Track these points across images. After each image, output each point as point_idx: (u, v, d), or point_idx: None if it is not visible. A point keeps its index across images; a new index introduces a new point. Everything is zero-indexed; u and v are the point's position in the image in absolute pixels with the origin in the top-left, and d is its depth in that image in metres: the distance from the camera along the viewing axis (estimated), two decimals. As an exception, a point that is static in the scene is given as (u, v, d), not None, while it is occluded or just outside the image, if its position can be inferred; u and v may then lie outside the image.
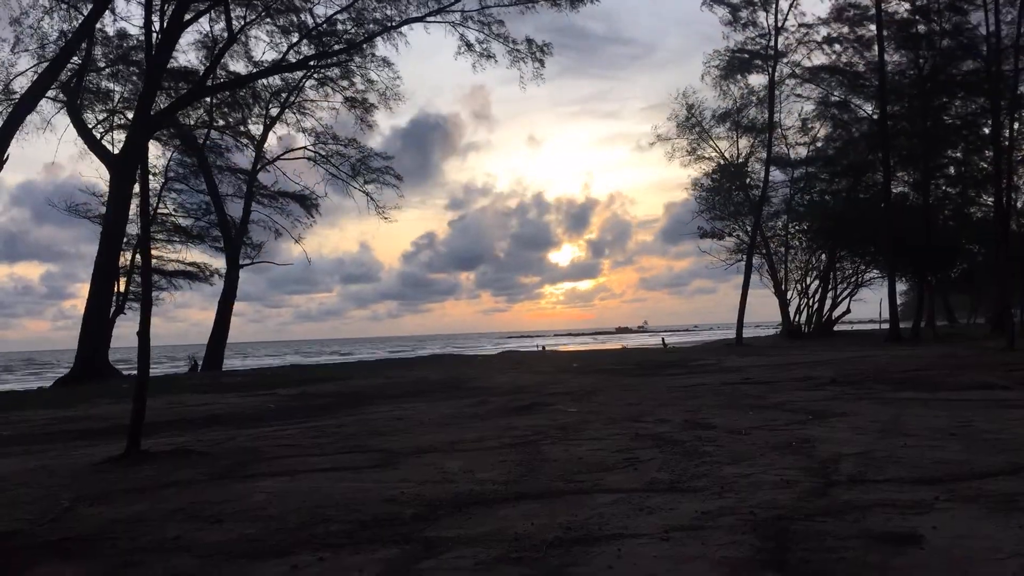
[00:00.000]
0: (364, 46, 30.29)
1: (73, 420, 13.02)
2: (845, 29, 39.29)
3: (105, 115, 31.09)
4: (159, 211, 33.54)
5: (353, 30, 29.56)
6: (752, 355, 26.48)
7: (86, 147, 28.16)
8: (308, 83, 34.71)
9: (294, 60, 29.69)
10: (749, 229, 42.37)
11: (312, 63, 30.69)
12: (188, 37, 34.91)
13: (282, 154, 37.41)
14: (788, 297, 44.56)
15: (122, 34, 30.08)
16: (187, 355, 37.82)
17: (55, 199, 33.81)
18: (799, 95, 42.43)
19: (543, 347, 59.47)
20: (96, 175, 30.10)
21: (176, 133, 33.31)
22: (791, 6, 39.41)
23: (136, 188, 24.50)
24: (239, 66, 32.23)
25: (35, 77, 25.03)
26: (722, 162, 44.04)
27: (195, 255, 36.69)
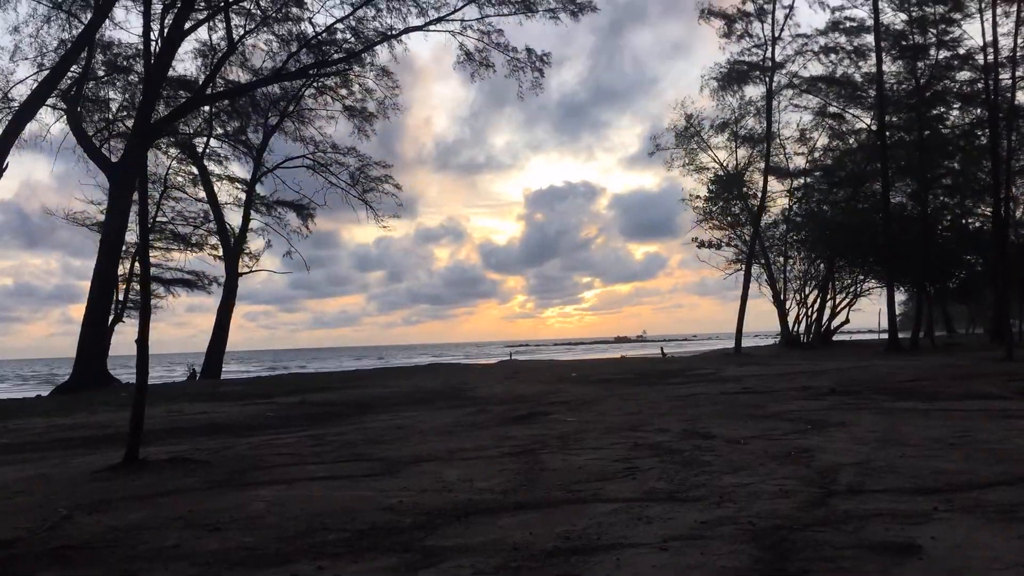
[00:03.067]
0: (364, 55, 30.37)
1: (72, 428, 13.00)
2: (842, 39, 39.49)
3: (104, 123, 31.12)
4: (158, 219, 33.56)
5: (352, 39, 29.66)
6: (751, 365, 26.47)
7: (85, 155, 28.20)
8: (307, 92, 34.80)
9: (293, 69, 29.75)
10: (748, 239, 42.45)
11: (312, 72, 30.76)
12: (187, 46, 34.96)
13: (281, 163, 37.46)
14: (787, 307, 44.59)
15: (121, 43, 30.19)
16: (186, 363, 37.75)
17: (54, 207, 33.87)
18: (797, 105, 42.63)
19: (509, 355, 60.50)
20: (95, 183, 29.98)
21: (175, 141, 33.36)
22: (787, 17, 39.61)
23: (135, 196, 24.52)
24: (238, 75, 32.32)
25: (35, 85, 25.09)
26: (721, 172, 44.18)
27: (193, 260, 36.73)
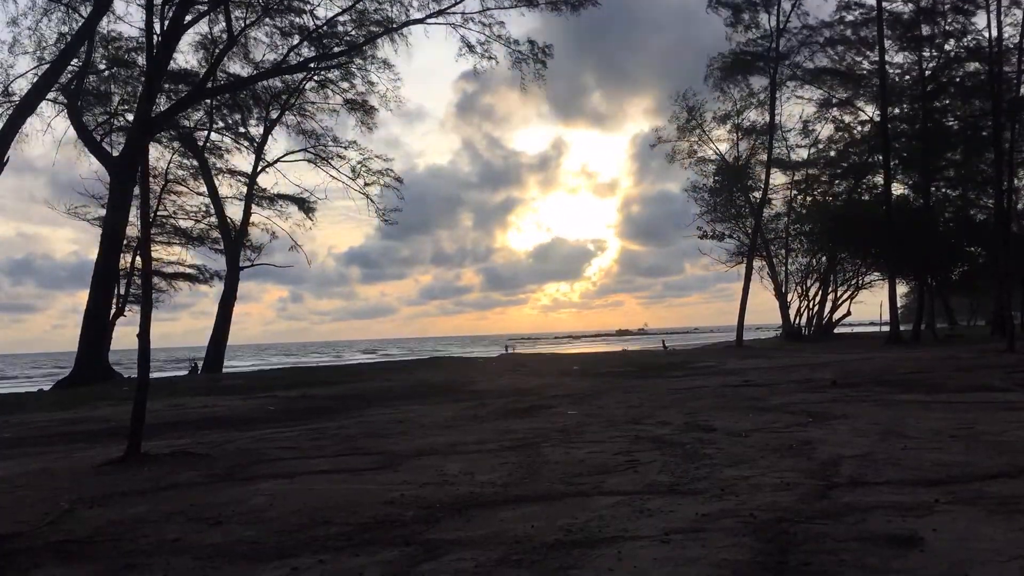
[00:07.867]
0: (365, 48, 30.30)
1: (73, 422, 13.02)
2: (848, 31, 39.33)
3: (105, 117, 31.07)
4: (159, 213, 33.52)
5: (354, 32, 29.59)
6: (752, 357, 26.47)
7: (86, 149, 28.17)
8: (308, 85, 34.72)
9: (294, 62, 29.69)
10: (749, 231, 42.35)
11: (312, 65, 30.69)
12: (188, 39, 34.91)
13: (282, 156, 37.41)
14: (788, 299, 44.54)
15: (122, 36, 30.12)
16: (188, 357, 37.83)
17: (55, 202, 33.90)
18: (800, 97, 42.48)
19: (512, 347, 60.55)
20: (96, 177, 29.94)
21: (176, 135, 33.32)
22: (793, 7, 39.44)
23: (136, 190, 24.50)
24: (239, 68, 32.26)
25: (35, 79, 25.04)
26: (723, 164, 44.03)
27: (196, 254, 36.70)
